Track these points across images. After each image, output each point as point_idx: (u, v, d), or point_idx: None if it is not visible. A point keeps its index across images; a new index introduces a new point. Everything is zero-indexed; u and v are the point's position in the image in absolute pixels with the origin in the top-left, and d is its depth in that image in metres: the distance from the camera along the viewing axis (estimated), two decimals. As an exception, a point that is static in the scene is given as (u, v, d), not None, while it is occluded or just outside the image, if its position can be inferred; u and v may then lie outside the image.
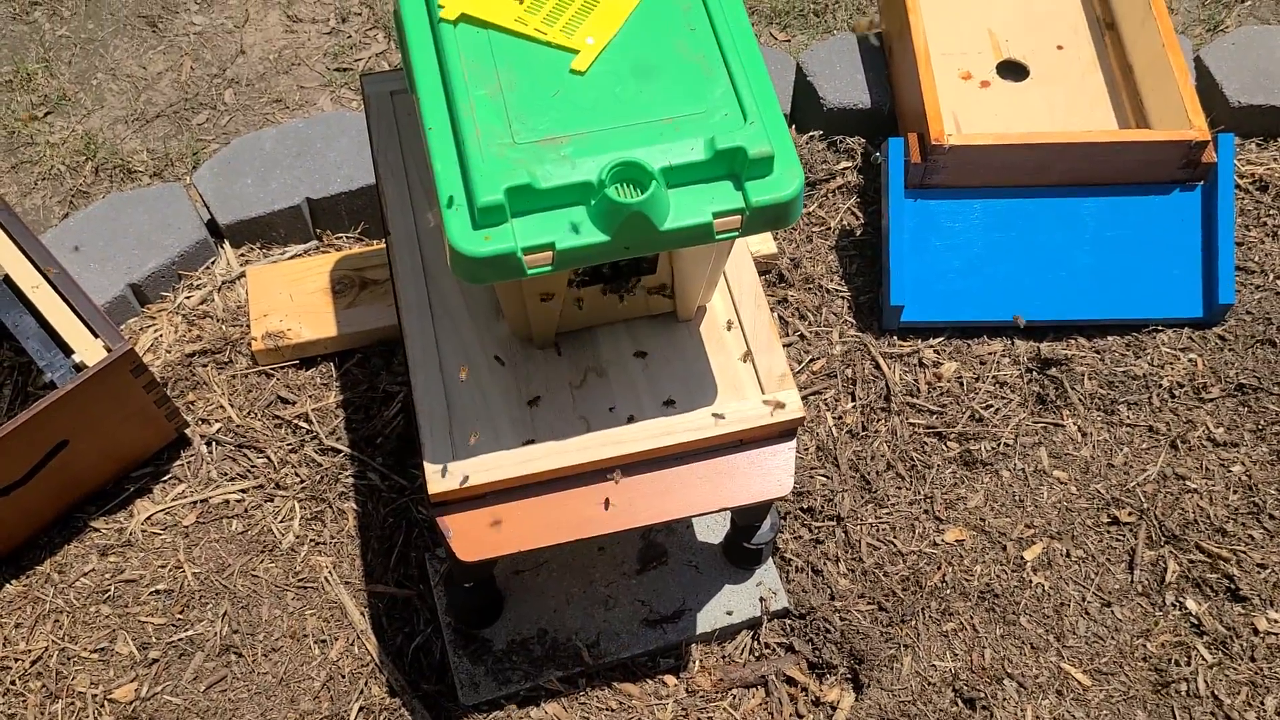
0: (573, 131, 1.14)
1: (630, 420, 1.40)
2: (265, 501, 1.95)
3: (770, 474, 1.43)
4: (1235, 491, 1.94)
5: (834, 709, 1.77)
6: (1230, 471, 1.95)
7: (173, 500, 1.93)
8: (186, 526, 1.92)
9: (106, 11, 2.84)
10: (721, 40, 1.19)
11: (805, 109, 2.27)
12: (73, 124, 2.66)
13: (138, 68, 2.76)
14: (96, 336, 1.59)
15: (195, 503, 1.94)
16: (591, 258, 1.14)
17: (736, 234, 1.16)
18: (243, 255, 2.21)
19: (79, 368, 1.59)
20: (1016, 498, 1.94)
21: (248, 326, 2.07)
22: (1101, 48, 2.17)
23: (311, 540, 1.92)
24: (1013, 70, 2.18)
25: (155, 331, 2.06)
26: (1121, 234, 1.98)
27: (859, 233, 2.19)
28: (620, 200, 1.09)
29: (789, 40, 2.78)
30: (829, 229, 2.19)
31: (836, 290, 2.14)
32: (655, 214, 1.12)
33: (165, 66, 2.77)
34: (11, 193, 2.56)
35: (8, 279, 1.72)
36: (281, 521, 1.93)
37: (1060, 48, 2.18)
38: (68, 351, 1.60)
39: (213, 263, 2.18)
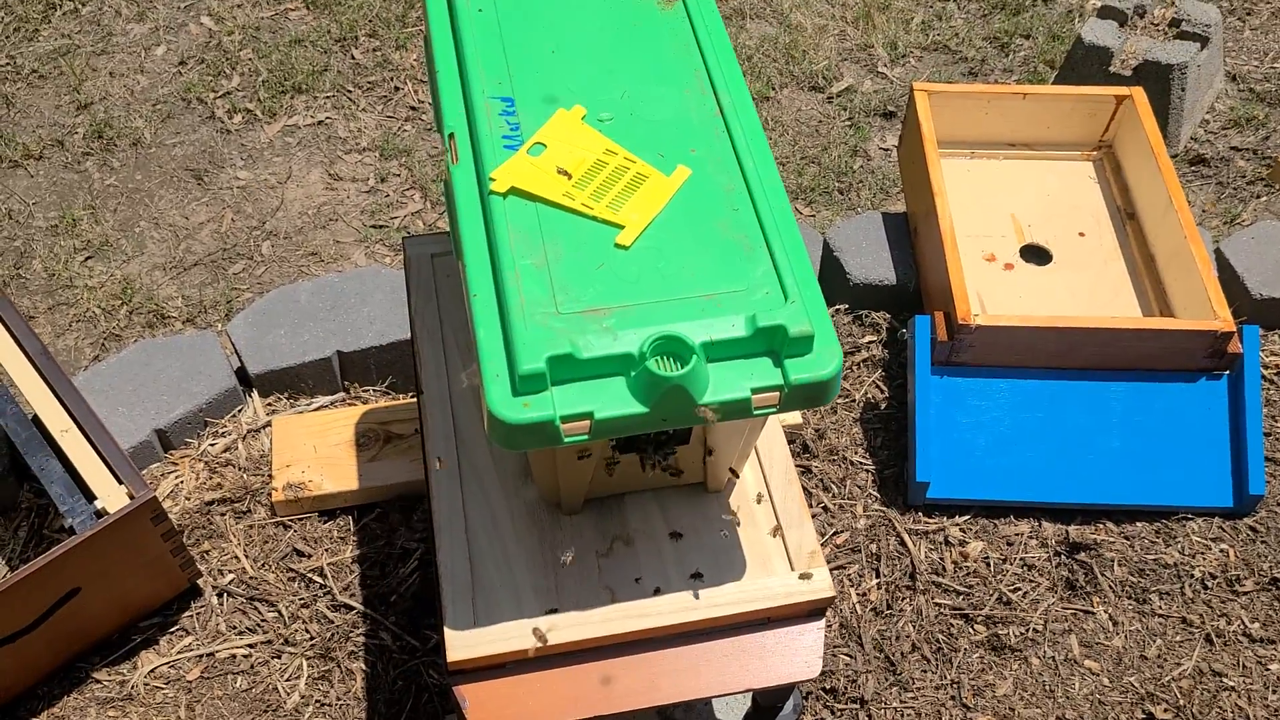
0: (616, 304, 1.15)
1: (657, 592, 1.37)
2: (273, 658, 1.89)
3: (798, 655, 1.38)
4: (1274, 691, 1.87)
5: None
6: (1268, 670, 1.88)
7: (178, 653, 1.88)
8: (190, 681, 1.86)
9: (155, 164, 2.95)
10: (763, 221, 1.22)
11: (832, 282, 2.32)
12: (112, 269, 2.72)
13: (180, 217, 2.85)
14: (121, 483, 1.59)
15: (201, 656, 1.89)
16: (629, 428, 1.14)
17: (774, 410, 1.16)
18: (270, 405, 2.22)
19: (100, 514, 1.58)
20: (1047, 688, 1.87)
21: (269, 476, 2.06)
22: (1123, 236, 2.22)
23: (317, 701, 1.86)
24: (1036, 254, 2.22)
25: (176, 478, 2.05)
26: (1149, 420, 1.98)
27: (883, 406, 2.19)
28: (661, 373, 1.10)
29: (814, 215, 2.86)
30: (854, 401, 2.20)
31: (861, 463, 2.13)
32: (695, 388, 1.12)
33: (207, 217, 2.86)
34: (46, 333, 2.60)
35: (37, 419, 1.72)
36: (288, 680, 1.87)
37: (1082, 234, 2.23)
38: (90, 497, 1.59)
39: (239, 411, 2.19)
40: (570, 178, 1.23)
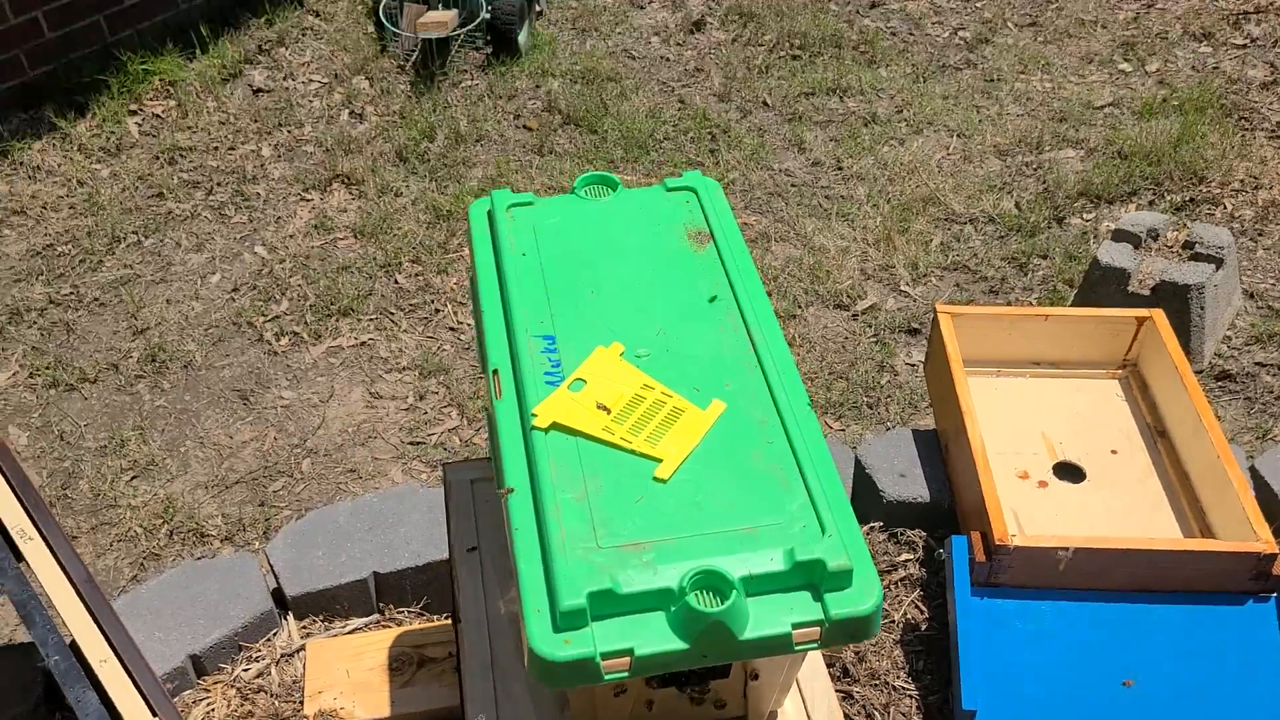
0: (655, 538, 1.17)
1: (697, 837, 1.32)
2: None
3: None
4: None
5: None
6: None
7: None
8: None
9: (204, 385, 3.06)
10: (798, 454, 1.25)
11: (865, 500, 2.32)
12: (156, 488, 2.78)
13: (225, 436, 2.93)
14: (155, 715, 1.57)
15: None
16: (669, 665, 1.13)
17: (815, 645, 1.15)
18: (304, 627, 2.21)
19: (129, 746, 1.56)
20: None
21: (301, 703, 2.03)
22: (1155, 454, 2.23)
23: None
24: (1069, 472, 2.23)
25: (208, 705, 2.03)
26: (1198, 645, 1.92)
27: (924, 627, 2.15)
28: (701, 609, 1.10)
29: (844, 429, 2.89)
30: (893, 622, 2.16)
31: (904, 689, 2.07)
32: (735, 623, 1.12)
33: (251, 436, 2.93)
34: (87, 552, 2.63)
35: (75, 646, 1.73)
36: None
37: (1114, 452, 2.24)
38: (122, 729, 1.57)
39: (274, 634, 2.18)
40: (609, 412, 1.28)
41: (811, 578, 1.15)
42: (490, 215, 1.53)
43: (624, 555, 1.15)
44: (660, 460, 1.24)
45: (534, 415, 1.27)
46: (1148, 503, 2.14)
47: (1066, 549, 1.91)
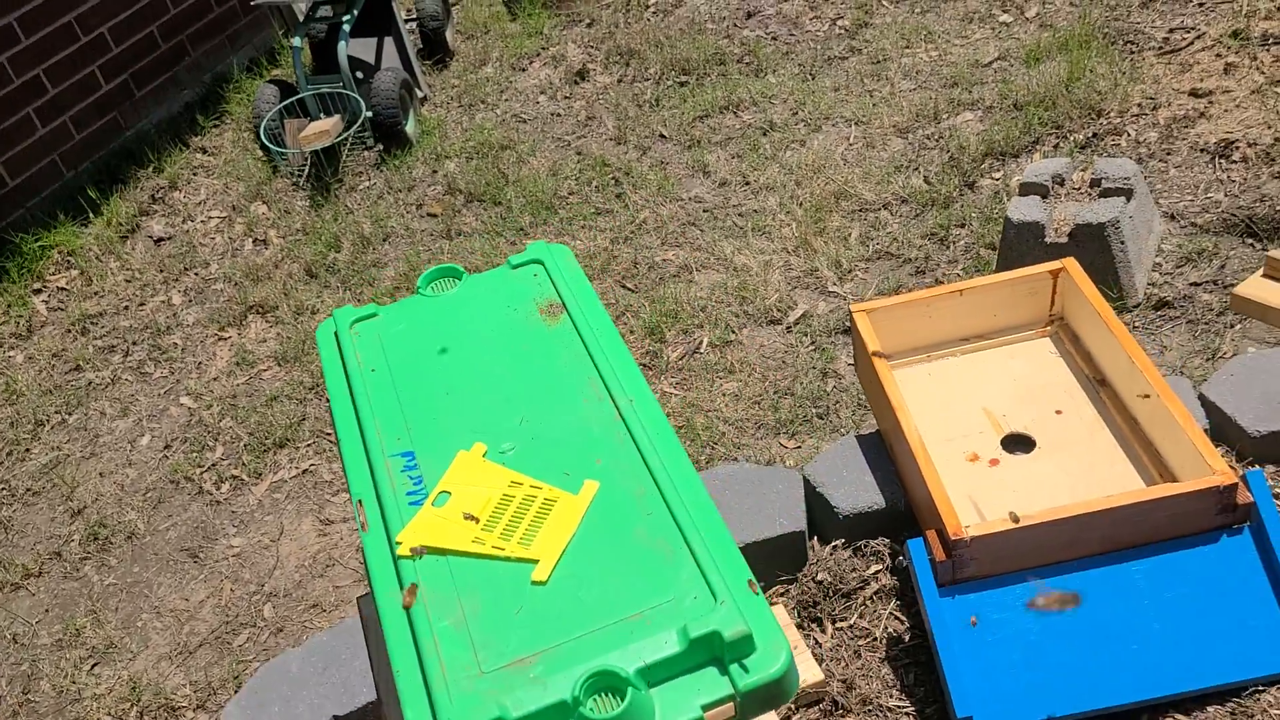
0: (540, 648, 1.09)
1: None
2: None
3: None
4: None
5: None
6: None
7: None
8: None
9: (151, 552, 2.96)
10: (679, 520, 1.17)
11: (822, 519, 2.24)
12: (119, 670, 2.68)
13: (180, 600, 2.83)
14: None
15: None
16: (582, 782, 1.05)
17: (734, 721, 1.07)
18: (276, 789, 2.11)
19: None
20: None
21: None
22: (1100, 405, 2.16)
23: None
24: (1019, 443, 2.15)
25: None
26: (1182, 592, 1.84)
27: (908, 638, 2.06)
28: (597, 717, 1.02)
29: (799, 446, 2.81)
30: (875, 640, 2.07)
31: (899, 707, 1.97)
32: (640, 721, 1.04)
33: (206, 594, 2.84)
34: (54, 757, 2.53)
35: None
36: None
37: (1059, 412, 2.17)
38: None
39: (245, 804, 2.08)
40: (478, 521, 1.20)
41: (712, 652, 1.07)
42: (336, 335, 1.46)
43: (510, 675, 1.07)
44: (536, 561, 1.16)
45: (398, 544, 1.19)
46: (1103, 458, 2.06)
47: (1026, 527, 1.83)
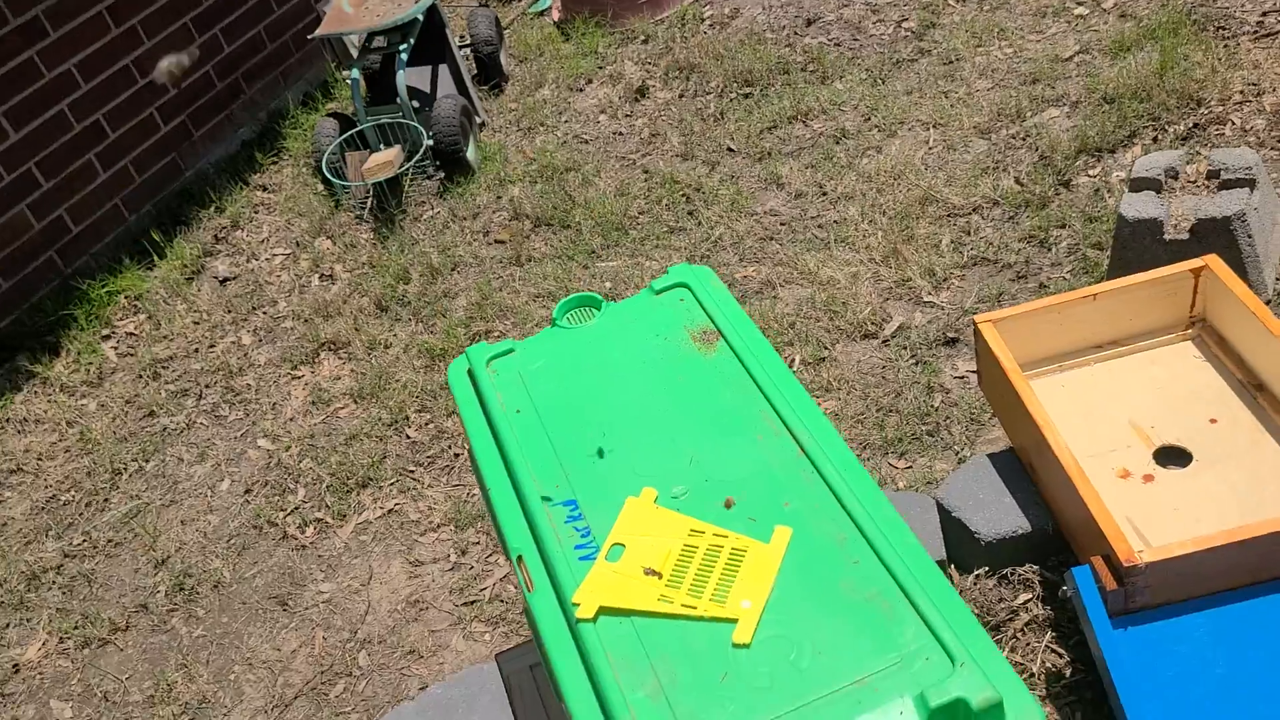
0: (756, 721, 0.96)
1: None
2: None
3: None
4: None
5: None
6: None
7: None
8: None
9: (239, 601, 2.87)
10: (892, 568, 1.04)
11: (960, 547, 2.10)
12: (214, 729, 2.59)
13: (272, 650, 2.74)
14: None
15: None
16: None
17: (982, 800, 0.93)
18: None
19: None
20: None
21: None
22: (1260, 411, 2.00)
23: None
24: (1173, 456, 2.00)
25: None
26: (1384, 615, 1.68)
27: (1069, 673, 1.91)
28: (835, 802, 0.89)
29: (910, 466, 2.67)
30: (1034, 677, 1.92)
31: (1068, 750, 1.82)
32: (880, 805, 0.91)
33: (299, 643, 2.74)
34: (156, 823, 2.43)
35: None
36: None
37: (1214, 421, 2.02)
38: None
39: None
40: (661, 577, 1.08)
41: (955, 721, 0.94)
42: (471, 374, 1.35)
43: (725, 754, 0.95)
44: (735, 621, 1.03)
45: (575, 605, 1.07)
46: (1270, 469, 1.91)
47: (1208, 549, 1.67)
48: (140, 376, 3.66)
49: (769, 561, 1.07)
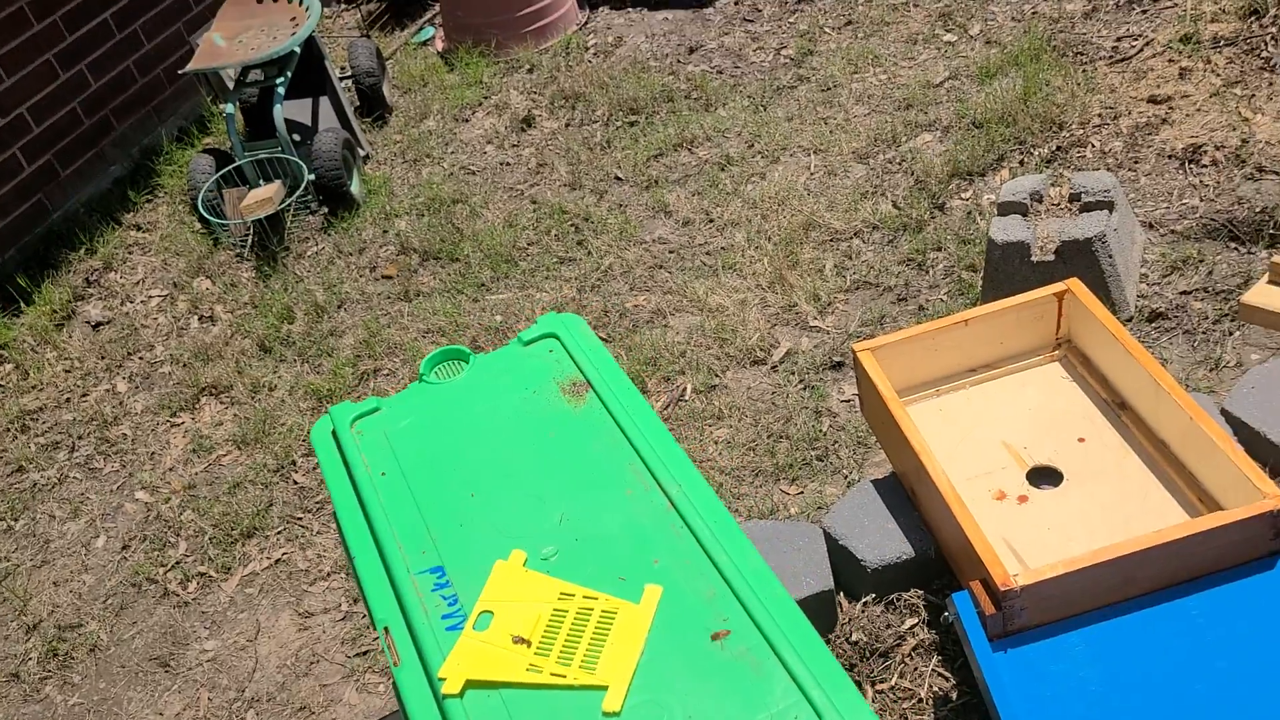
0: (626, 792, 0.95)
1: None
2: None
3: None
4: None
5: None
6: None
7: None
8: None
9: (117, 665, 2.75)
10: (760, 623, 1.04)
11: (848, 574, 2.12)
12: (91, 802, 2.46)
13: (154, 715, 2.62)
14: None
15: None
16: None
17: None
18: None
19: None
20: None
21: None
22: (1124, 430, 2.08)
23: None
24: (1045, 476, 2.06)
25: None
26: (1244, 626, 1.75)
27: (956, 696, 1.95)
28: None
29: (801, 492, 2.70)
30: (922, 702, 1.95)
31: (956, 772, 1.85)
32: None
33: (182, 705, 2.63)
34: None
35: None
36: None
37: (1082, 440, 2.09)
38: None
39: None
40: (529, 644, 1.06)
41: (824, 778, 0.94)
42: (335, 435, 1.31)
43: (595, 829, 0.93)
44: (605, 688, 1.02)
45: (441, 679, 1.04)
46: (1136, 487, 1.98)
47: (1078, 570, 1.72)
48: (7, 430, 3.48)
49: (639, 622, 1.06)
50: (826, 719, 0.95)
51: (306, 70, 4.25)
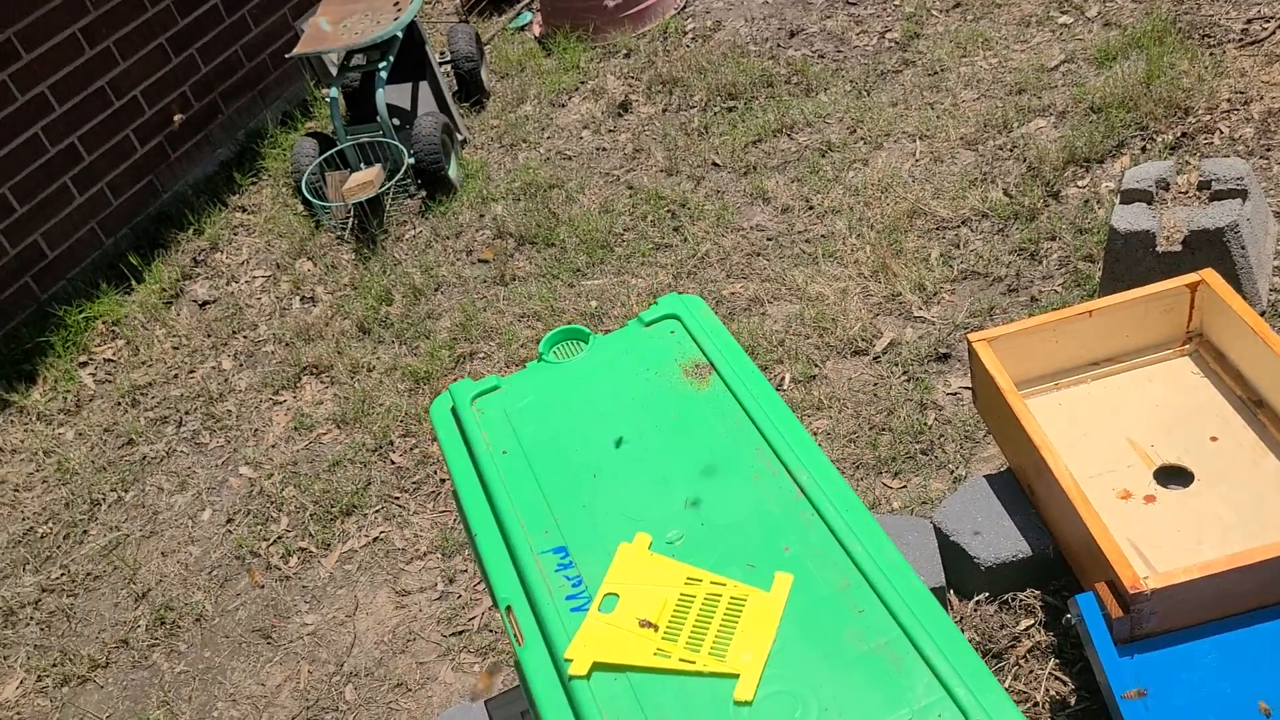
0: (760, 786, 0.92)
1: None
2: None
3: None
4: None
5: None
6: None
7: None
8: None
9: (221, 635, 2.81)
10: (898, 615, 1.00)
11: (960, 573, 2.05)
12: (196, 770, 2.52)
13: (256, 685, 2.67)
14: None
15: None
16: None
17: None
18: None
19: None
20: None
21: None
22: (1260, 428, 1.97)
23: None
24: (1174, 476, 1.96)
25: None
26: (1395, 639, 1.64)
27: (1074, 701, 1.87)
28: None
29: (904, 486, 2.63)
30: (1038, 707, 1.88)
31: (1074, 781, 1.78)
32: None
33: (283, 677, 2.68)
34: None
35: None
36: None
37: (1214, 439, 1.98)
38: None
39: None
40: (657, 629, 1.03)
41: (970, 781, 0.89)
42: (455, 413, 1.30)
43: (729, 823, 0.90)
44: (735, 676, 0.99)
45: (568, 660, 1.02)
46: (1273, 488, 1.87)
47: (1213, 575, 1.63)
48: (119, 404, 3.58)
49: (770, 611, 1.02)
50: (972, 716, 0.90)
51: (407, 55, 4.28)
